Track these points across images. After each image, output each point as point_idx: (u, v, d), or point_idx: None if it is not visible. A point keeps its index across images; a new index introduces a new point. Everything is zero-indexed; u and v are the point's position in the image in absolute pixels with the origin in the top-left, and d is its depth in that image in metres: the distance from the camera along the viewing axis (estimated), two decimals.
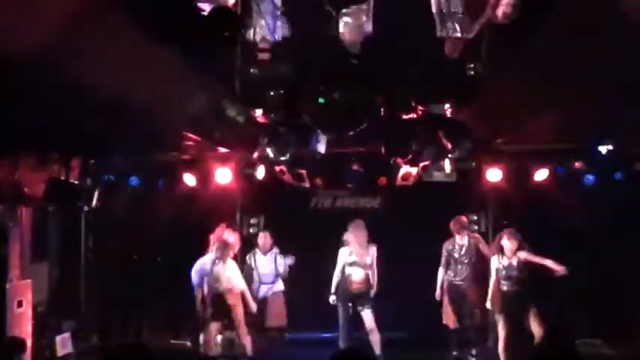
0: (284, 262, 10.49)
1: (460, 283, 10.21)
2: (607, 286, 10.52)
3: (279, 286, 10.61)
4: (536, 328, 9.06)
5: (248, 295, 9.89)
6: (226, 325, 10.19)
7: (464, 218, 10.27)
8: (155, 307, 11.17)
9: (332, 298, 9.81)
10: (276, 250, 10.58)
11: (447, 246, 10.20)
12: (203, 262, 9.84)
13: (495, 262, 9.30)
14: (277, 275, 10.54)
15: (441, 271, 10.21)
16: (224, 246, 9.81)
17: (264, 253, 10.62)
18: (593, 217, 10.18)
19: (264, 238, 10.62)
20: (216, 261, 9.74)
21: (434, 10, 8.47)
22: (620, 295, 10.27)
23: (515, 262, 9.19)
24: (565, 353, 3.60)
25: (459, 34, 8.63)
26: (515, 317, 9.15)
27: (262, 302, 10.41)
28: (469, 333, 10.26)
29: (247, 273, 10.45)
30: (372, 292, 9.91)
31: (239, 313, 9.81)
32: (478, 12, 7.73)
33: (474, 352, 10.47)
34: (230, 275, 9.78)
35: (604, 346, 9.86)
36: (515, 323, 9.15)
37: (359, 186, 10.42)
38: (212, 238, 10.05)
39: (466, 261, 10.16)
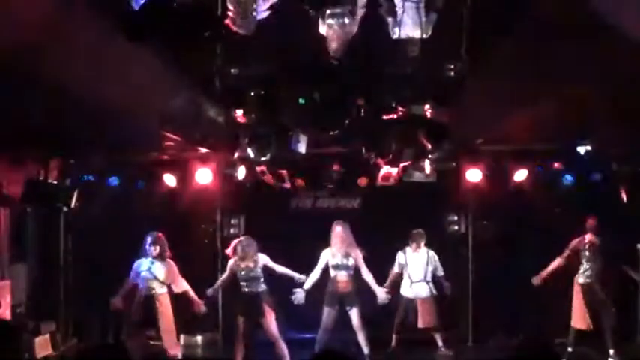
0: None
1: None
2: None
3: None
4: None
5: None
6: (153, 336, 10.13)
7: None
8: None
9: (299, 295, 9.72)
10: None
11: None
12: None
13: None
14: None
15: None
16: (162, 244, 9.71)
17: None
18: (572, 217, 10.22)
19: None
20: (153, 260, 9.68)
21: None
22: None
23: None
24: (542, 353, 3.63)
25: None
26: None
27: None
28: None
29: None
30: (385, 294, 9.86)
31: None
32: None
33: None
34: (166, 276, 9.74)
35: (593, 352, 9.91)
36: None
37: (339, 187, 10.42)
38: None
39: None
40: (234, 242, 9.69)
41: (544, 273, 10.14)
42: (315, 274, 9.82)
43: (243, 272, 9.55)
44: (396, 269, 10.46)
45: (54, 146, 9.31)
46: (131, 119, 7.54)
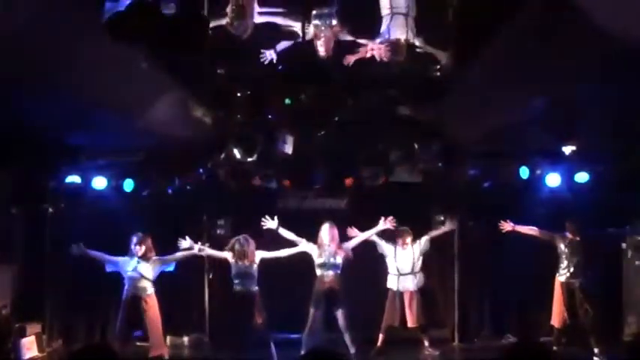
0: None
1: None
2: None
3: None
4: None
5: None
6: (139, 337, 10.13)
7: None
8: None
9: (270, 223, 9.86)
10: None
11: None
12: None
13: None
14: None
15: None
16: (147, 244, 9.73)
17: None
18: (557, 218, 10.27)
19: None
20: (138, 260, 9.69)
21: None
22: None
23: None
24: (538, 353, 3.63)
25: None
26: None
27: None
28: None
29: None
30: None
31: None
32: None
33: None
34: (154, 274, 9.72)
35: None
36: None
37: (326, 187, 10.42)
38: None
39: None
40: (232, 240, 9.74)
41: (517, 226, 10.21)
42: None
43: (238, 269, 9.57)
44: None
45: (40, 147, 9.26)
46: (118, 120, 7.52)
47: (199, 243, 9.84)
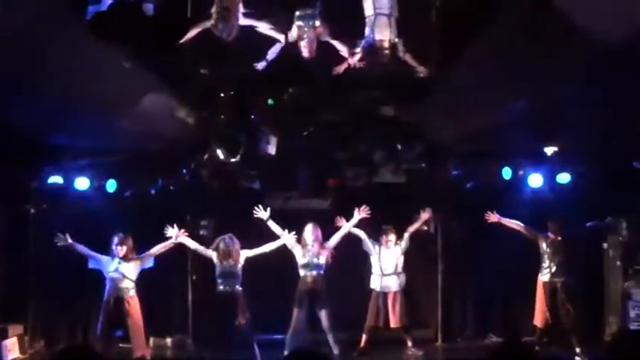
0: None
1: None
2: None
3: None
4: None
5: None
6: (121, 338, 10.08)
7: None
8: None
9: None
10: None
11: None
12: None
13: None
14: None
15: None
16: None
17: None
18: (540, 218, 10.32)
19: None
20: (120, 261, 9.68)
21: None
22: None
23: None
24: (523, 353, 3.64)
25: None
26: None
27: None
28: None
29: None
30: None
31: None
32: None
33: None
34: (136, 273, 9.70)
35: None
36: None
37: (309, 187, 10.43)
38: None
39: None
40: (217, 240, 9.71)
41: (503, 219, 10.25)
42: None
43: (223, 268, 9.56)
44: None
45: (23, 147, 9.21)
46: (101, 120, 7.49)
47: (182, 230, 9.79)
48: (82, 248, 9.73)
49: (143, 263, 9.79)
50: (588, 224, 10.44)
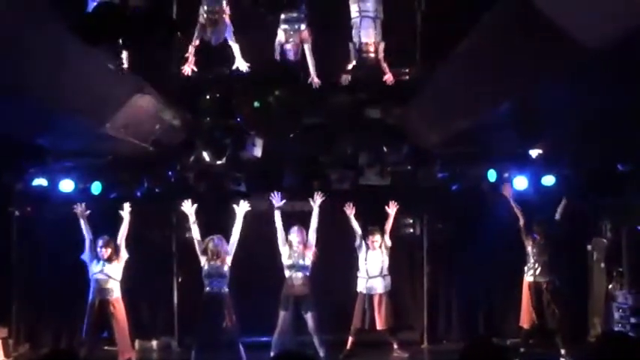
0: None
1: None
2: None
3: None
4: None
5: None
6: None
7: None
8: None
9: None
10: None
11: None
12: None
13: None
14: None
15: None
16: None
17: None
18: (525, 220, 10.35)
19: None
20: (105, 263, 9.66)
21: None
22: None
23: None
24: (492, 353, 3.66)
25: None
26: None
27: None
28: None
29: None
30: None
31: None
32: None
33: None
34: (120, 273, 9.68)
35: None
36: None
37: (294, 190, 10.42)
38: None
39: None
40: (205, 240, 9.70)
41: (512, 199, 10.27)
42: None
43: (210, 268, 9.55)
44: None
45: (6, 150, 9.16)
46: (87, 122, 7.46)
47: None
48: (87, 230, 9.75)
49: (122, 258, 9.74)
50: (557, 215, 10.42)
